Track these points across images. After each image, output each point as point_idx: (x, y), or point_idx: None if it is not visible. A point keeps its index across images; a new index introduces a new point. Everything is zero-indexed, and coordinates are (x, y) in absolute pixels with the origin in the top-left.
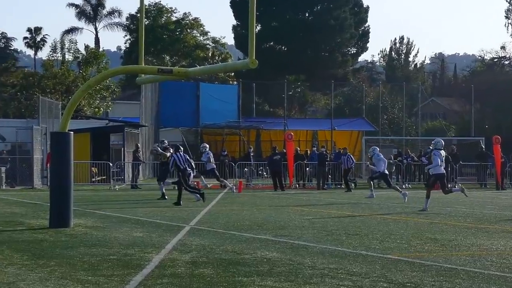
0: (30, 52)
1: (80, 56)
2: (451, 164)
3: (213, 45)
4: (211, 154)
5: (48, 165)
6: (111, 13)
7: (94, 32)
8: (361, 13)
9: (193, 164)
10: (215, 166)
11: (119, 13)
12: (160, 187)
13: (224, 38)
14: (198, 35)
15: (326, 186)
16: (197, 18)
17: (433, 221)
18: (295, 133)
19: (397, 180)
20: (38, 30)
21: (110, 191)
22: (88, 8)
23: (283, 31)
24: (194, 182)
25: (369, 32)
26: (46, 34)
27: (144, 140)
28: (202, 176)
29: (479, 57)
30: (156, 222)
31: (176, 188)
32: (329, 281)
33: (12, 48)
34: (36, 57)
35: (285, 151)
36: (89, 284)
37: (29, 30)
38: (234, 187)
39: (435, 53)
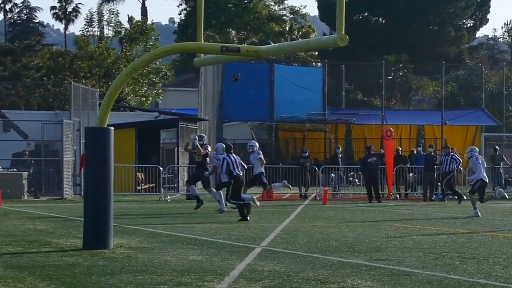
0: (59, 25)
1: (123, 31)
2: None
3: (292, 16)
4: (262, 155)
5: (82, 169)
6: None
7: (141, 1)
8: None
9: (245, 168)
10: (263, 171)
11: None
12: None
13: (305, 7)
14: (272, 3)
15: (434, 196)
16: None
17: None
18: (395, 129)
19: None
20: None
21: (160, 202)
22: None
23: None
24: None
25: (490, 0)
26: (79, 3)
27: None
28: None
29: None
30: (219, 242)
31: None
32: None
33: (36, 20)
34: (67, 32)
35: (382, 151)
36: None
37: None
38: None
39: None
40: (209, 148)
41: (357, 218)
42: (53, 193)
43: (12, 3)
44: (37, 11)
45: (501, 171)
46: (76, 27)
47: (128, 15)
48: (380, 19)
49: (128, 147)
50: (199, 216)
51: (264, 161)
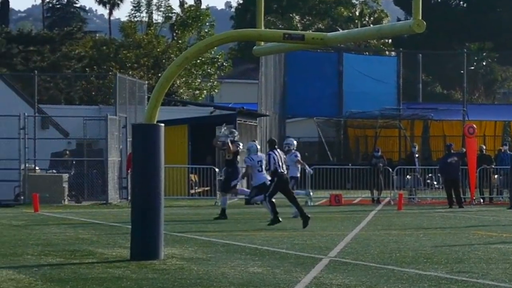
0: (102, 10)
1: (174, 17)
2: None
3: (362, 0)
4: (300, 156)
5: (129, 171)
6: None
7: None
8: None
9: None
10: (298, 176)
11: None
12: (222, 199)
13: None
14: None
15: None
16: None
17: None
18: (478, 126)
19: None
20: None
21: (216, 207)
22: None
23: None
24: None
25: None
26: None
27: (264, 135)
28: None
29: None
30: (281, 252)
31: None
32: None
33: (78, 5)
34: (112, 18)
35: (464, 150)
36: None
37: None
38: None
39: None
40: (241, 146)
41: (436, 225)
42: (97, 197)
43: None
44: None
45: None
46: (122, 12)
47: None
48: (461, 2)
49: (180, 146)
50: (260, 223)
51: (303, 164)
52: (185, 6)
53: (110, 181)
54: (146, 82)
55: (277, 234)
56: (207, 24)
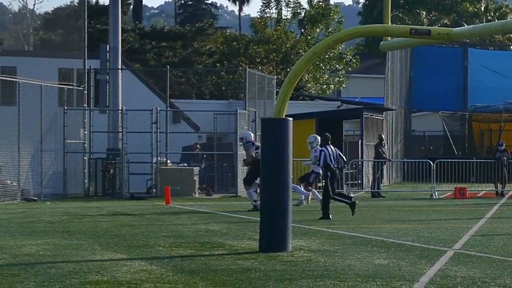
0: (233, 7)
1: (303, 13)
2: None
3: None
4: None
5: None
6: None
7: None
8: None
9: (345, 161)
10: (320, 172)
11: None
12: (248, 193)
13: None
14: None
15: None
16: None
17: None
18: None
19: None
20: None
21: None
22: None
23: None
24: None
25: None
26: None
27: (390, 129)
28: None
29: None
30: (407, 244)
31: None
32: None
33: (209, 2)
34: (242, 14)
35: None
36: None
37: None
38: (305, 199)
39: None
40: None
41: None
42: (227, 190)
43: None
44: None
45: None
46: (251, 9)
47: None
48: None
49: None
50: (386, 216)
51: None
52: (313, 2)
53: (239, 175)
54: (275, 77)
55: (403, 227)
56: (335, 20)
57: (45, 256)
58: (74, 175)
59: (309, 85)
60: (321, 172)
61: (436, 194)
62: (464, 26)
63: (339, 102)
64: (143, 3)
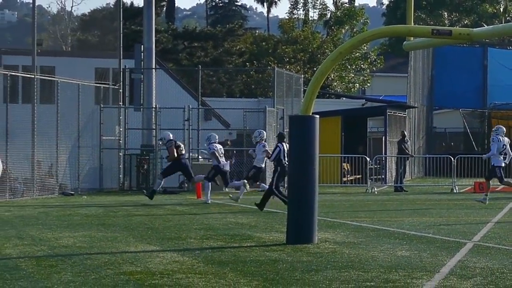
0: (261, 8)
1: (329, 14)
2: None
3: None
4: (268, 147)
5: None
6: None
7: None
8: None
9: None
10: (263, 166)
11: None
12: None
13: None
14: None
15: None
16: None
17: None
18: None
19: None
20: None
21: (367, 194)
22: None
23: None
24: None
25: None
26: None
27: (412, 126)
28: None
29: None
30: (428, 237)
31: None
32: None
33: (239, 3)
34: (270, 16)
35: None
36: None
37: None
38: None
39: None
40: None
41: None
42: (256, 184)
43: None
44: None
45: None
46: (279, 10)
47: None
48: None
49: (334, 136)
50: (408, 210)
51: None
52: (339, 4)
53: (268, 170)
54: (302, 75)
55: (424, 220)
56: (360, 21)
57: (81, 247)
58: (110, 170)
59: (335, 83)
60: (263, 166)
61: (457, 188)
62: (484, 26)
63: (364, 100)
64: (176, 5)
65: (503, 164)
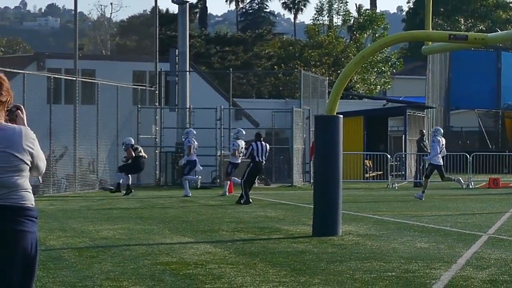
0: (289, 15)
1: (352, 20)
2: None
3: None
4: (239, 147)
5: (312, 157)
6: None
7: None
8: None
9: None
10: (238, 162)
11: None
12: (117, 176)
13: None
14: None
15: None
16: None
17: None
18: None
19: None
20: None
21: (388, 189)
22: None
23: None
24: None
25: None
26: None
27: (431, 125)
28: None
29: None
30: (445, 230)
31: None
32: None
33: (268, 10)
34: (297, 21)
35: None
36: None
37: None
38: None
39: None
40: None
41: None
42: (283, 180)
43: None
44: (268, 0)
45: None
46: (305, 16)
47: (356, 4)
48: None
49: (357, 135)
50: (426, 204)
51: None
52: (362, 10)
53: (294, 166)
54: (327, 78)
55: (442, 214)
56: (381, 26)
57: (120, 239)
58: (146, 167)
59: (358, 85)
60: (239, 162)
61: (472, 184)
62: (498, 32)
63: (385, 101)
64: (208, 11)
65: (441, 163)
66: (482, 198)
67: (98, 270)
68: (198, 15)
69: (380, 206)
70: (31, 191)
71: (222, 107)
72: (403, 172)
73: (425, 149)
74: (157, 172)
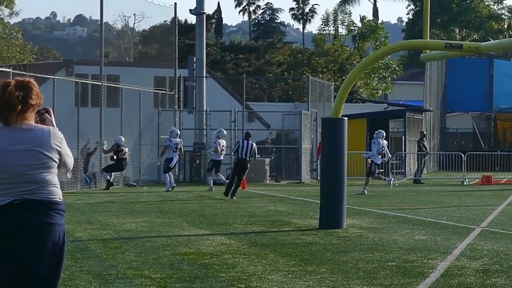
0: (297, 25)
1: (355, 30)
2: None
3: (510, 15)
4: (220, 146)
5: (319, 156)
6: None
7: (372, 2)
8: None
9: (254, 157)
10: (220, 159)
11: None
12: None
13: None
14: (492, 3)
15: None
16: None
17: None
18: None
19: None
20: (306, 0)
21: (389, 186)
22: None
23: None
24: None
25: None
26: (316, 4)
27: (429, 127)
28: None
29: None
30: (441, 223)
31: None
32: None
33: (278, 21)
34: (305, 31)
35: None
36: None
37: (296, 0)
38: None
39: None
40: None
41: None
42: (292, 177)
43: (255, 5)
44: (278, 12)
45: None
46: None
47: (360, 15)
48: None
49: (360, 135)
50: (424, 199)
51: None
52: (365, 21)
53: (303, 164)
54: (333, 83)
55: (438, 208)
56: (382, 35)
57: (142, 231)
58: None
59: (361, 90)
60: (220, 159)
61: (466, 181)
62: (491, 41)
63: (386, 104)
64: (224, 22)
65: (379, 162)
66: (475, 194)
67: (122, 260)
68: (214, 25)
69: (381, 201)
70: (59, 187)
71: (236, 110)
72: (402, 170)
73: (424, 149)
74: (176, 169)
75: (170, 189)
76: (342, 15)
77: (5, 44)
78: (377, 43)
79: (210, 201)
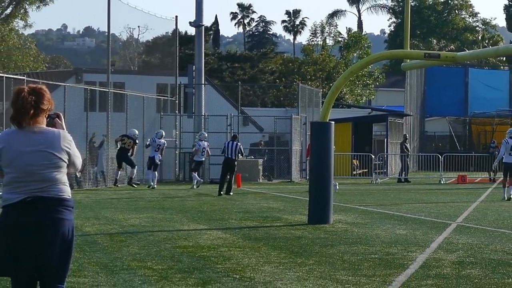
0: (289, 36)
1: (342, 41)
2: None
3: (483, 27)
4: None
5: (308, 157)
6: None
7: (357, 15)
8: None
9: (242, 155)
10: (202, 160)
11: None
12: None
13: (495, 19)
14: (467, 16)
15: None
16: None
17: None
18: None
19: None
20: (296, 13)
21: (372, 185)
22: None
23: None
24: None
25: None
26: (305, 17)
27: (409, 130)
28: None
29: None
30: (420, 219)
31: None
32: None
33: (271, 32)
34: (295, 42)
35: None
36: (349, 285)
37: (287, 13)
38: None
39: None
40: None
41: None
42: (283, 177)
43: (249, 18)
44: (271, 24)
45: None
46: (302, 38)
47: (346, 27)
48: None
49: (346, 138)
50: (405, 197)
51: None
52: (350, 32)
53: (293, 165)
54: (321, 90)
55: (418, 205)
56: (365, 46)
57: (145, 226)
58: (168, 165)
59: (347, 96)
60: (202, 160)
61: (443, 180)
62: (466, 51)
63: (370, 109)
64: (220, 33)
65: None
66: (451, 192)
67: (127, 252)
68: (212, 36)
69: (365, 198)
70: (68, 185)
71: (232, 114)
72: (385, 170)
73: (406, 150)
74: (176, 169)
75: (151, 187)
76: (329, 27)
77: (20, 53)
78: (361, 52)
79: (208, 199)
